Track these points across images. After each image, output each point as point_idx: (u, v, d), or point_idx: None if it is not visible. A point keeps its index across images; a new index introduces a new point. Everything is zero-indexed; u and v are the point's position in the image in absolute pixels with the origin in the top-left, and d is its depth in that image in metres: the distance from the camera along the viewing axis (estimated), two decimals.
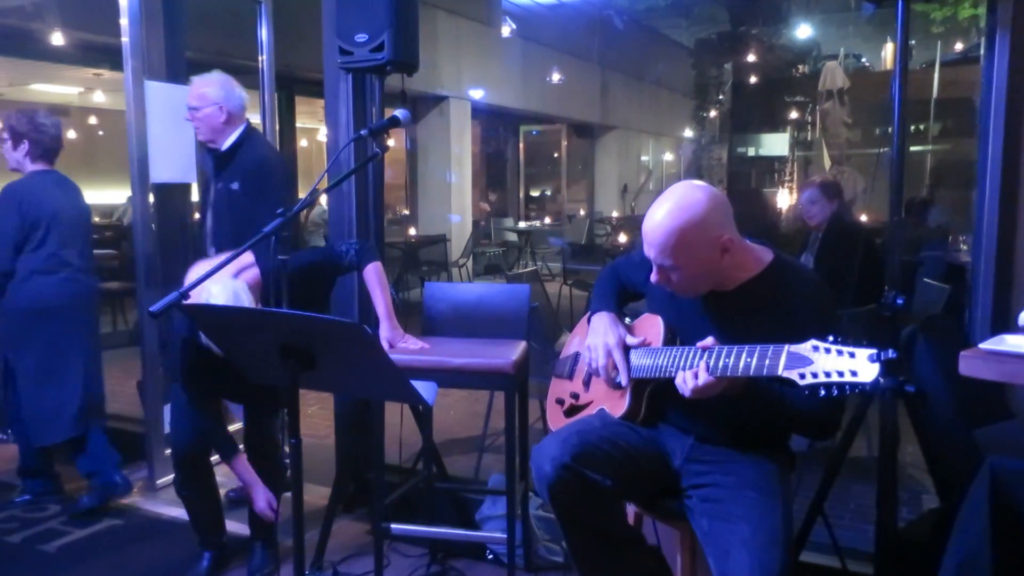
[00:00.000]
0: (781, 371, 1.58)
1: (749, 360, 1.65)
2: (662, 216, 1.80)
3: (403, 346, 2.57)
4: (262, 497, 2.58)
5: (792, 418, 1.86)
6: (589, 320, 2.13)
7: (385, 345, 2.54)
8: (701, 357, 1.74)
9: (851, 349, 1.52)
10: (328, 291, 2.74)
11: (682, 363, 1.81)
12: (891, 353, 1.48)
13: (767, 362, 1.62)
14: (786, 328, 1.75)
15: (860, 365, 1.49)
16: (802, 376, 1.54)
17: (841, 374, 1.50)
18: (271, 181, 3.09)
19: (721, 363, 1.70)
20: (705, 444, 1.96)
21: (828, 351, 1.53)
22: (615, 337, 2.00)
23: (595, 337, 2.04)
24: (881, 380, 1.49)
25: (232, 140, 3.11)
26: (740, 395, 1.78)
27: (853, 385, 1.49)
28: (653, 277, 1.88)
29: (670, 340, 1.97)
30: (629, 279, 2.19)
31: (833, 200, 3.98)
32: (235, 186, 3.07)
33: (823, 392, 1.52)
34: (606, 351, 1.99)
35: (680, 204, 1.80)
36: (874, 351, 1.49)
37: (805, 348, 1.57)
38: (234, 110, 3.10)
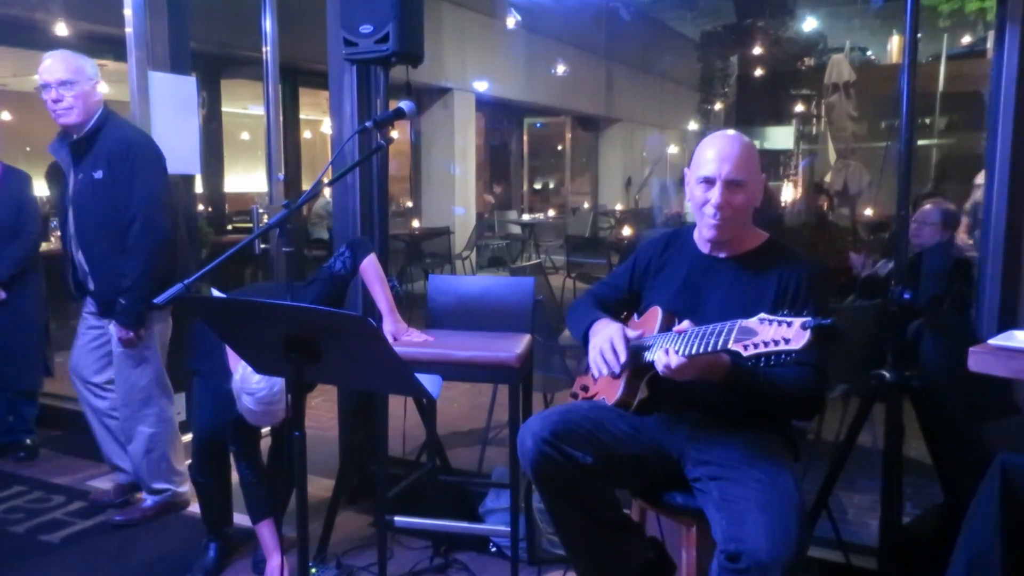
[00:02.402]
0: (731, 344, 1.64)
1: (708, 339, 1.72)
2: (732, 136, 2.00)
3: (407, 339, 2.57)
4: (276, 565, 2.61)
5: (776, 399, 1.91)
6: (586, 338, 2.11)
7: (389, 339, 2.54)
8: (675, 340, 1.80)
9: (789, 319, 1.59)
10: (343, 302, 2.75)
11: (662, 347, 1.85)
12: (825, 320, 1.55)
13: (721, 338, 1.68)
14: (784, 294, 1.93)
15: (793, 333, 1.56)
16: (745, 347, 1.61)
17: (776, 342, 1.57)
18: (141, 164, 2.88)
19: (687, 343, 1.76)
20: (703, 428, 1.97)
21: (771, 322, 1.61)
22: (616, 329, 2.00)
23: (598, 337, 2.03)
24: (810, 344, 1.54)
25: (91, 124, 2.92)
26: (728, 380, 1.83)
27: (786, 352, 1.56)
28: (715, 196, 1.94)
29: (667, 326, 1.99)
30: (615, 290, 2.26)
31: (947, 230, 3.88)
32: (99, 175, 2.89)
33: (763, 361, 1.59)
34: (608, 342, 1.98)
35: (734, 132, 2.02)
36: (809, 319, 1.56)
37: (753, 322, 1.64)
38: (99, 90, 2.95)
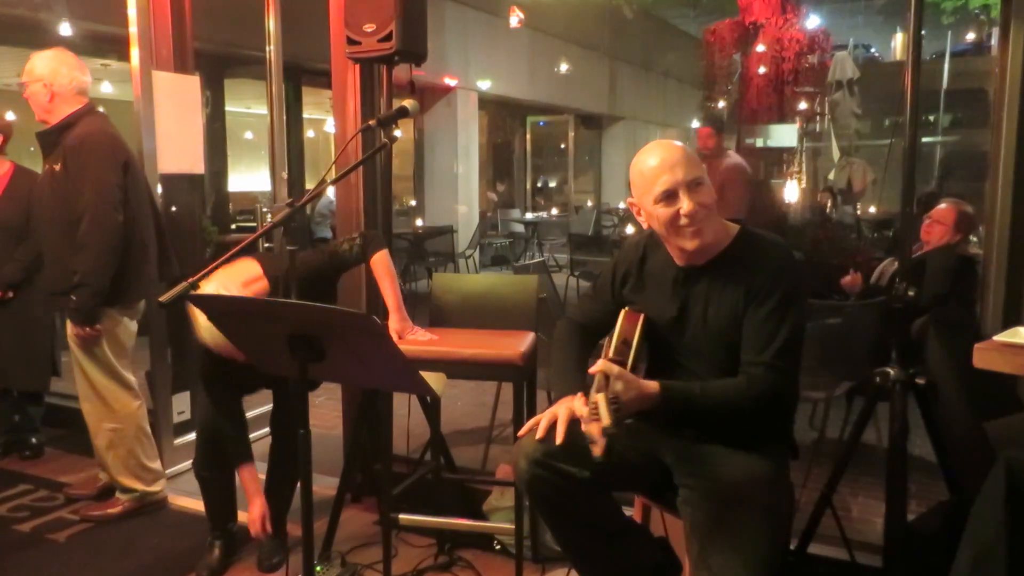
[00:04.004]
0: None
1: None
2: (665, 143, 1.91)
3: (412, 337, 2.57)
4: (259, 510, 2.61)
5: (723, 413, 1.84)
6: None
7: (394, 336, 2.55)
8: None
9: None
10: (334, 288, 2.74)
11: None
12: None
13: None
14: (752, 292, 1.85)
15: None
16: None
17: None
18: (90, 159, 2.90)
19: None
20: (698, 444, 1.93)
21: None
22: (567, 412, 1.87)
23: (559, 406, 1.89)
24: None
25: (59, 121, 2.97)
26: (663, 408, 1.80)
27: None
28: (686, 204, 1.82)
29: (632, 321, 1.97)
30: (602, 303, 2.15)
31: (959, 232, 3.79)
32: (58, 167, 2.95)
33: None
34: (552, 417, 1.86)
35: (664, 140, 1.98)
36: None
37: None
38: (62, 89, 2.96)
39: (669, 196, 1.84)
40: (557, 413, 1.84)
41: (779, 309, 1.83)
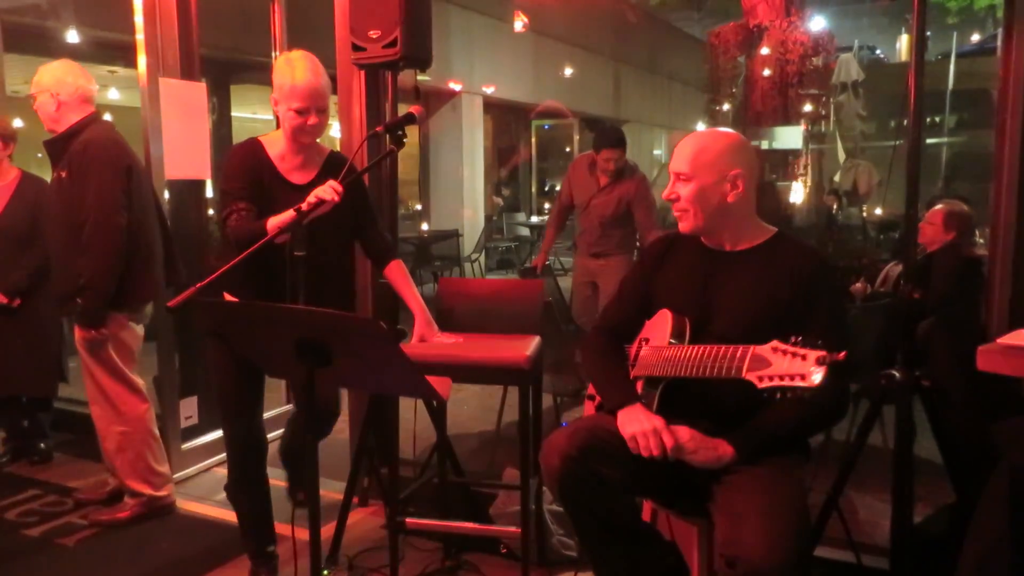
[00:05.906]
0: (745, 374, 1.63)
1: (720, 363, 1.71)
2: (697, 132, 2.05)
3: (438, 340, 2.57)
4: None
5: (796, 433, 1.92)
6: (610, 412, 2.00)
7: (416, 338, 2.56)
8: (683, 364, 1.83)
9: (804, 351, 1.54)
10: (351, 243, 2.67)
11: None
12: (839, 356, 1.51)
13: (734, 364, 1.67)
14: (786, 292, 1.90)
15: (807, 368, 1.53)
16: (760, 379, 1.59)
17: (792, 377, 1.54)
18: (92, 164, 2.93)
19: (696, 367, 1.79)
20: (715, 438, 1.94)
21: (785, 353, 1.57)
22: (659, 419, 1.89)
23: (636, 424, 1.88)
24: (823, 381, 1.51)
25: (66, 129, 3.02)
26: (740, 457, 1.83)
27: (801, 389, 1.53)
28: (664, 194, 2.02)
29: (679, 330, 1.98)
30: (628, 303, 2.20)
31: (950, 231, 3.81)
32: (64, 174, 2.99)
33: (779, 396, 1.57)
34: (654, 433, 1.85)
35: (712, 130, 2.08)
36: (823, 353, 1.52)
37: (766, 349, 1.61)
38: (68, 98, 3.01)
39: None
40: (651, 446, 1.83)
41: (834, 311, 1.93)
